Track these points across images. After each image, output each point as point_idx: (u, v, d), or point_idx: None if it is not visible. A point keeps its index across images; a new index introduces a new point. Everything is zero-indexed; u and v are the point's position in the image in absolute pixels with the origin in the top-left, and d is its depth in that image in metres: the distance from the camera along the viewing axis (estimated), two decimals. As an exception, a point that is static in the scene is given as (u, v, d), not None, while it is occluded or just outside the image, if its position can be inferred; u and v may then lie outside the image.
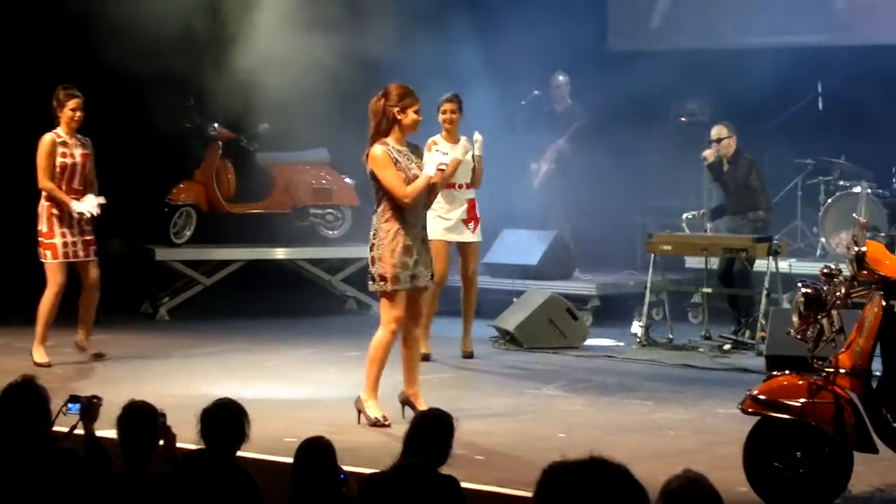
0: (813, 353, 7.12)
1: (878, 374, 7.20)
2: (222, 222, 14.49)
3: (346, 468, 5.74)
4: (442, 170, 8.96)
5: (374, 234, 8.97)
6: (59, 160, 10.98)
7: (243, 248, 14.48)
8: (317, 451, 5.52)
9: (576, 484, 3.22)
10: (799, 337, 7.18)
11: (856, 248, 7.15)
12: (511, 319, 12.35)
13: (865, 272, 7.10)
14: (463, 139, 10.38)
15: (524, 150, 15.07)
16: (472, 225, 11.43)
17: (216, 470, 5.65)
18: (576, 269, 14.26)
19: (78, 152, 11.06)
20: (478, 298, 11.86)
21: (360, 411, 8.90)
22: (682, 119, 15.31)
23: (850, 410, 6.91)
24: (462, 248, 11.50)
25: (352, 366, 11.22)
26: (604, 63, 15.35)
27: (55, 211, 10.99)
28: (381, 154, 8.85)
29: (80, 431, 6.35)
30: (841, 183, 13.71)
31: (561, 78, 15.04)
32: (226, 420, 5.74)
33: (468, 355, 11.56)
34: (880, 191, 13.33)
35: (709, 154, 12.74)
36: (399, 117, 8.92)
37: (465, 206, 11.36)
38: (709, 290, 12.61)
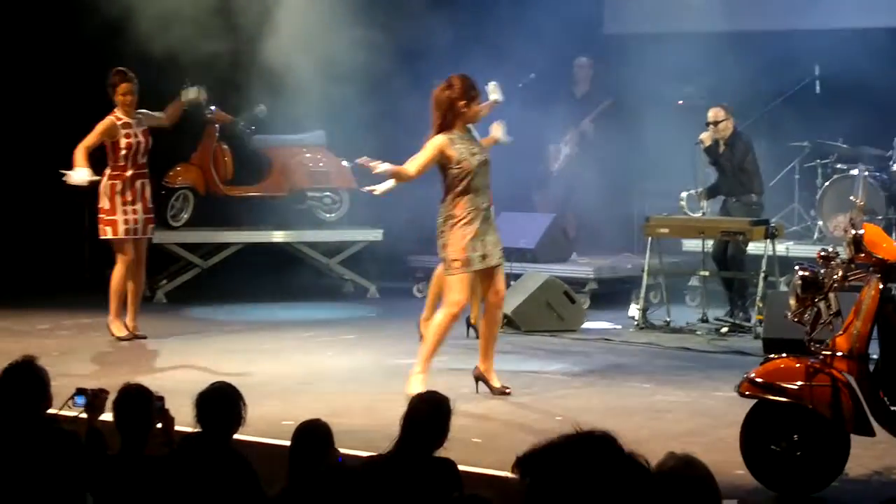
0: (810, 336, 7.12)
1: (875, 357, 7.20)
2: (219, 205, 14.48)
3: (343, 451, 5.75)
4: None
5: (444, 221, 9.17)
6: (123, 142, 11.37)
7: (241, 231, 14.47)
8: (314, 434, 5.53)
9: (561, 459, 3.21)
10: (796, 320, 7.17)
11: (853, 231, 7.14)
12: (508, 303, 12.29)
13: (863, 255, 7.10)
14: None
15: (525, 134, 15.04)
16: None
17: (213, 453, 5.65)
18: (573, 252, 14.25)
19: (140, 130, 11.47)
20: None
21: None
22: (680, 102, 15.28)
23: (847, 393, 6.91)
24: None
25: (349, 348, 11.25)
26: (600, 46, 15.33)
27: (119, 188, 11.32)
28: (437, 139, 9.09)
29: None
30: (838, 166, 13.70)
31: (584, 60, 15.05)
32: (222, 404, 5.75)
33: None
34: (877, 174, 13.31)
35: (705, 137, 12.72)
36: (464, 110, 9.16)
37: None
38: (706, 273, 12.61)
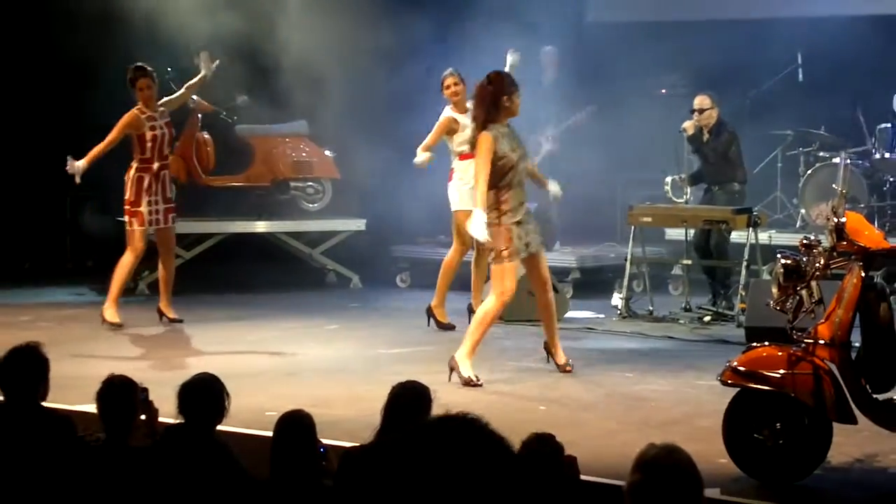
0: (792, 324, 7.13)
1: (857, 344, 7.22)
2: (202, 195, 14.44)
3: (325, 441, 5.74)
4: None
5: (489, 213, 9.48)
6: (149, 134, 11.63)
7: (223, 222, 14.43)
8: (296, 425, 5.52)
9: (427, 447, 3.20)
10: (778, 308, 7.18)
11: (835, 219, 7.15)
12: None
13: (845, 243, 7.10)
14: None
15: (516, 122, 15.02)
16: None
17: (196, 444, 5.64)
18: (556, 241, 14.24)
19: (163, 122, 11.75)
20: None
21: (452, 369, 9.34)
22: (662, 91, 15.30)
23: (829, 381, 6.92)
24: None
25: (332, 339, 11.24)
26: (584, 34, 15.33)
27: (146, 183, 11.55)
28: (486, 140, 9.44)
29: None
30: (821, 154, 13.73)
31: (548, 48, 15.04)
32: (204, 395, 5.74)
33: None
34: (860, 161, 13.35)
35: (689, 125, 12.72)
36: (507, 105, 9.51)
37: (468, 177, 11.44)
38: (689, 261, 12.62)
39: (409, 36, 13.59)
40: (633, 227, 12.52)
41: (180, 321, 11.72)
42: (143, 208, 11.55)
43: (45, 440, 5.76)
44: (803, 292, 7.09)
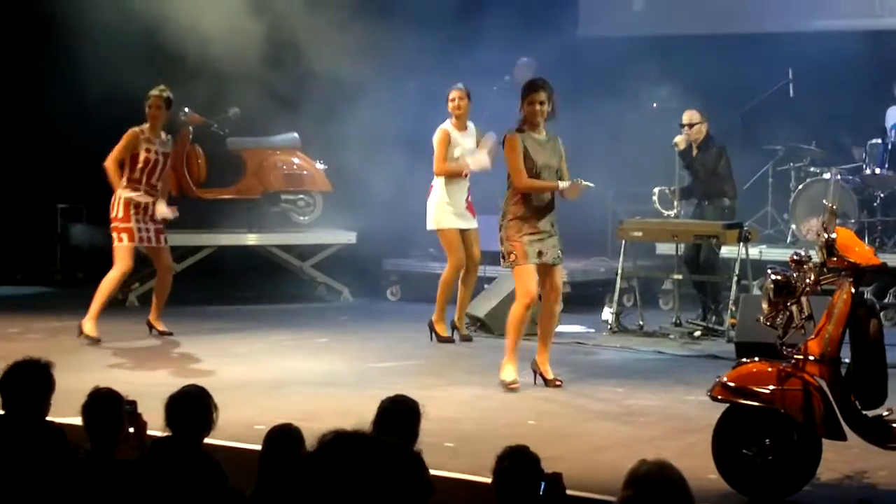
0: (782, 339, 7.13)
1: (847, 360, 7.21)
2: (193, 208, 14.41)
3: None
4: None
5: (503, 216, 9.74)
6: (142, 155, 11.46)
7: (214, 234, 14.42)
8: (285, 439, 5.50)
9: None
10: (768, 324, 7.18)
11: (825, 235, 7.15)
12: (482, 306, 12.33)
13: (835, 259, 7.10)
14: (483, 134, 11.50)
15: (499, 137, 15.03)
16: (469, 211, 11.76)
17: (184, 457, 5.62)
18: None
19: (161, 150, 11.56)
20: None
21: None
22: (654, 105, 15.32)
23: (818, 397, 6.92)
24: (469, 234, 11.75)
25: (322, 352, 11.22)
26: (575, 49, 15.34)
27: (133, 202, 11.42)
28: (511, 139, 9.75)
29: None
30: (811, 169, 13.75)
31: (524, 60, 15.05)
32: (192, 407, 5.72)
33: (466, 338, 11.76)
34: (850, 177, 13.37)
35: (680, 140, 12.73)
36: (524, 111, 9.80)
37: (467, 193, 11.69)
38: (679, 276, 12.62)
39: (402, 51, 13.59)
40: (623, 242, 12.52)
41: (170, 334, 11.68)
42: (133, 225, 11.44)
43: (39, 453, 5.74)
44: (793, 308, 7.09)
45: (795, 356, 7.03)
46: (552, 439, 8.10)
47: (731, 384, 7.01)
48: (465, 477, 6.94)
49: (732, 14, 15.28)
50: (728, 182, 12.71)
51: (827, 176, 12.96)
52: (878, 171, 13.30)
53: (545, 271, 9.75)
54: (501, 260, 9.84)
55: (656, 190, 12.67)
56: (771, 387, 6.92)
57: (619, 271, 12.46)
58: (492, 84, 15.06)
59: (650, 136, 14.05)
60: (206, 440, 5.82)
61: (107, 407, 5.83)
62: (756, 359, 7.19)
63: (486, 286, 12.94)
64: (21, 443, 5.82)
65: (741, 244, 12.05)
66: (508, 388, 9.58)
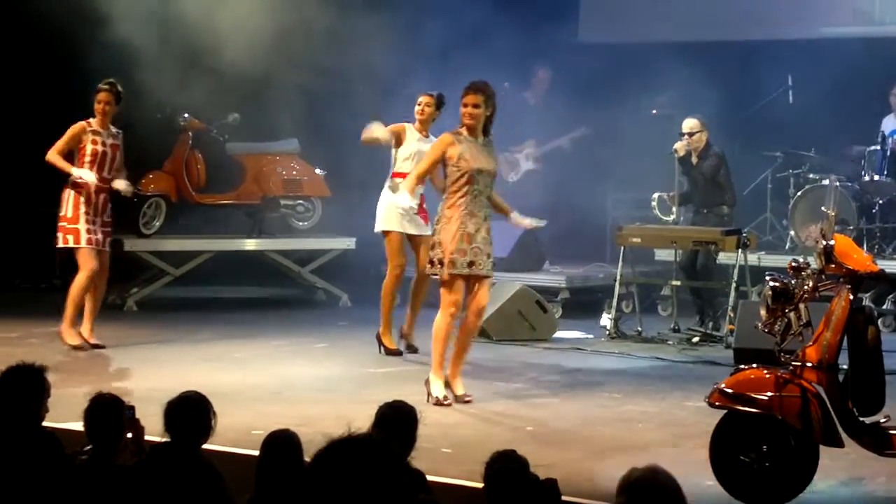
0: (780, 346, 7.14)
1: (844, 367, 7.22)
2: (192, 213, 14.45)
3: (312, 461, 5.72)
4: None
5: (438, 220, 9.38)
6: (89, 147, 11.28)
7: (213, 239, 14.44)
8: (282, 444, 5.51)
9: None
10: (766, 330, 7.19)
11: (824, 242, 7.16)
12: (481, 311, 12.33)
13: (833, 266, 7.11)
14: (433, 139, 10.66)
15: (500, 143, 15.04)
16: (421, 217, 11.27)
17: (182, 463, 5.63)
18: (545, 261, 14.26)
19: (109, 142, 11.35)
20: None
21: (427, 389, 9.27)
22: (653, 112, 15.34)
23: (816, 404, 6.92)
24: (417, 239, 11.26)
25: (320, 357, 11.23)
26: (575, 55, 15.36)
27: (83, 198, 11.21)
28: (443, 136, 9.51)
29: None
30: (810, 176, 13.76)
31: (543, 72, 15.11)
32: (190, 413, 5.72)
33: (412, 349, 11.34)
34: (849, 184, 13.38)
35: (680, 147, 12.74)
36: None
37: (419, 199, 11.13)
38: (678, 282, 12.63)
39: (401, 57, 13.61)
40: (622, 248, 12.53)
41: (102, 347, 11.29)
42: (81, 226, 11.18)
43: (35, 459, 5.74)
44: (791, 315, 7.09)
45: (793, 363, 7.03)
46: (550, 445, 8.11)
47: (729, 390, 7.02)
48: (462, 483, 6.94)
49: (732, 21, 15.30)
50: (727, 190, 12.73)
51: (826, 182, 12.97)
52: (876, 177, 13.32)
53: (473, 283, 9.34)
54: (429, 266, 9.39)
55: (655, 196, 12.69)
56: (769, 393, 6.93)
57: (618, 277, 12.48)
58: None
59: (649, 143, 14.07)
60: (205, 446, 5.83)
61: (109, 412, 5.84)
62: (754, 365, 7.20)
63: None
64: (16, 448, 5.81)
65: (740, 250, 12.05)
66: (439, 403, 9.13)
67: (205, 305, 13.86)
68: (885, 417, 7.16)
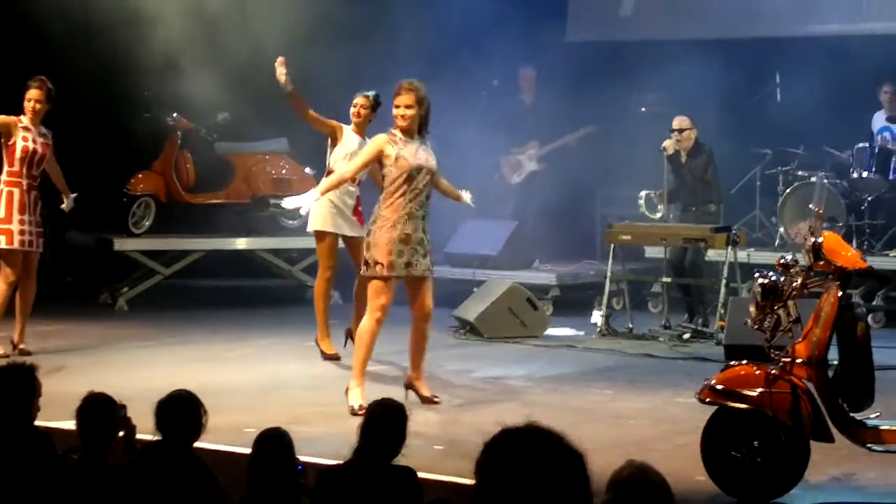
0: (770, 343, 7.16)
1: (834, 363, 7.25)
2: (181, 212, 14.45)
3: (303, 459, 5.74)
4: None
5: (374, 221, 9.10)
6: (20, 144, 10.90)
7: (203, 239, 14.44)
8: (274, 442, 5.52)
9: (515, 451, 3.24)
10: (756, 327, 7.21)
11: (812, 239, 7.18)
12: (471, 309, 12.36)
13: (822, 263, 7.13)
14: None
15: (489, 141, 15.07)
16: (357, 219, 11.00)
17: (174, 461, 5.64)
18: (536, 258, 14.28)
19: (40, 140, 11.00)
20: None
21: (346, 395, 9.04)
22: (643, 109, 15.36)
23: (806, 400, 6.95)
24: (354, 241, 10.89)
25: (311, 356, 11.22)
26: (564, 54, 15.38)
27: (16, 196, 10.88)
28: (375, 138, 9.28)
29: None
30: (799, 173, 13.78)
31: (527, 68, 15.12)
32: (181, 411, 5.74)
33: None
34: (838, 181, 13.40)
35: (669, 144, 12.77)
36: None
37: (355, 201, 10.97)
38: (668, 279, 12.66)
39: (393, 56, 13.61)
40: (612, 245, 12.55)
41: (29, 353, 10.69)
42: (14, 226, 10.78)
43: (27, 458, 5.74)
44: (781, 311, 7.12)
45: (783, 359, 7.06)
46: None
47: (720, 387, 7.04)
48: (455, 479, 6.96)
49: (720, 19, 15.33)
50: (715, 188, 12.77)
51: (814, 180, 13.00)
52: (865, 174, 13.35)
53: (414, 285, 9.09)
54: (364, 267, 9.07)
55: (643, 194, 12.71)
56: (759, 389, 6.95)
57: (609, 274, 12.50)
58: (480, 89, 15.13)
59: (639, 141, 14.09)
60: (197, 444, 5.84)
61: (101, 412, 5.84)
62: (744, 362, 7.22)
63: (475, 290, 12.97)
64: (7, 448, 5.81)
65: (729, 247, 12.08)
66: (356, 413, 8.57)
67: (195, 304, 13.86)
68: (874, 413, 7.19)
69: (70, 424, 6.05)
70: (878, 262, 11.63)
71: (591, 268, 14.19)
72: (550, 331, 12.38)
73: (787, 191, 13.56)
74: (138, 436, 6.04)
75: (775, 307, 7.12)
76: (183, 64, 13.33)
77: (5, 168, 10.96)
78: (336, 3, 13.86)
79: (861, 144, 13.56)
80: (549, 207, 14.69)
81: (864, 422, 7.14)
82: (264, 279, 14.83)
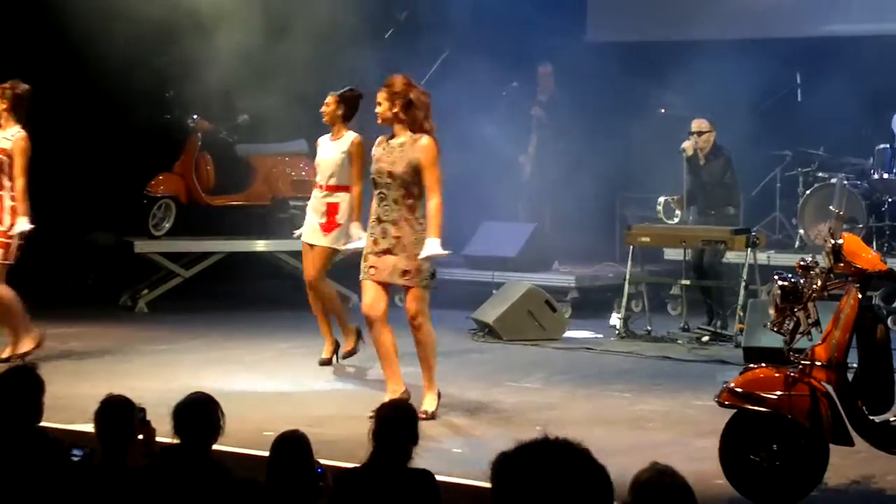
0: (789, 345, 7.14)
1: (854, 366, 7.23)
2: (202, 214, 14.47)
3: (323, 461, 5.75)
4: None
5: None
6: None
7: (223, 241, 14.46)
8: (292, 445, 5.53)
9: (532, 464, 3.23)
10: (776, 329, 7.19)
11: (832, 241, 7.16)
12: (490, 312, 12.36)
13: (842, 265, 7.12)
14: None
15: (508, 143, 15.08)
16: (323, 228, 10.74)
17: (192, 464, 5.65)
18: (555, 260, 14.27)
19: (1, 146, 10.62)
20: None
21: None
22: (662, 110, 15.33)
23: (825, 403, 6.93)
24: (310, 248, 10.86)
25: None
26: (583, 54, 15.37)
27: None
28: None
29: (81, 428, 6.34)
30: (819, 174, 13.74)
31: (546, 66, 15.12)
32: (199, 414, 5.74)
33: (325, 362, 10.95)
34: (858, 182, 13.37)
35: (688, 146, 12.74)
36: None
37: (325, 208, 10.70)
38: (687, 281, 12.63)
39: (410, 56, 13.61)
40: (631, 247, 12.53)
41: (7, 360, 10.21)
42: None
43: (36, 462, 5.74)
44: (800, 314, 7.10)
45: (803, 362, 7.04)
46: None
47: (739, 390, 7.02)
48: (473, 483, 6.96)
49: (740, 19, 15.29)
50: (734, 191, 12.75)
51: (834, 181, 12.96)
52: (885, 175, 13.31)
53: (404, 292, 8.98)
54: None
55: (661, 199, 12.68)
56: (778, 392, 6.93)
57: (627, 276, 12.48)
58: (501, 90, 15.13)
59: (658, 142, 14.06)
60: (216, 447, 5.85)
61: (119, 414, 5.85)
62: (763, 364, 7.21)
63: (493, 292, 12.97)
64: (13, 451, 5.79)
65: (749, 249, 12.05)
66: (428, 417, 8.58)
67: (215, 307, 13.87)
68: (894, 416, 7.17)
69: (89, 427, 6.06)
70: (899, 264, 11.60)
71: (610, 270, 14.17)
72: (569, 333, 12.37)
73: (808, 192, 13.52)
74: (158, 438, 6.06)
75: (795, 309, 7.10)
76: (204, 65, 13.34)
77: None
78: (352, 3, 13.86)
79: (882, 146, 13.52)
80: (567, 208, 14.68)
81: (884, 425, 7.12)
82: (284, 281, 14.82)
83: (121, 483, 5.66)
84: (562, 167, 14.89)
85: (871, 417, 7.09)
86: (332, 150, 10.62)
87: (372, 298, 8.97)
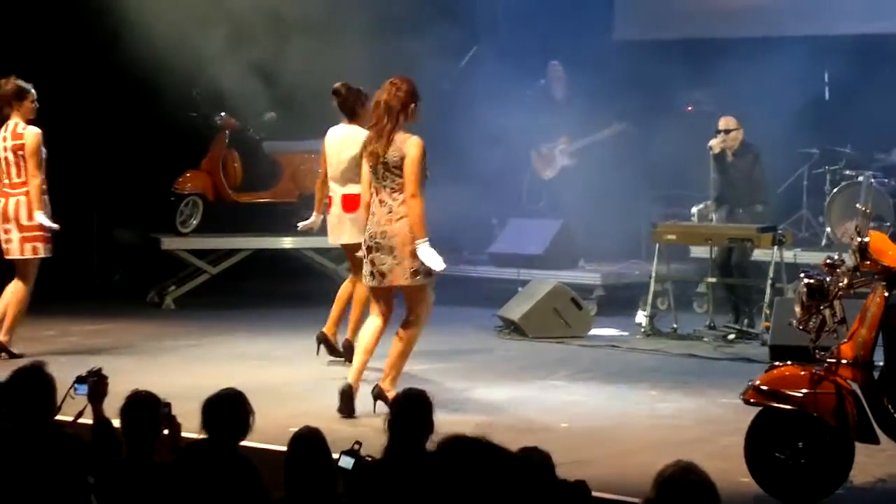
0: (815, 343, 7.14)
1: (880, 364, 7.21)
2: (229, 211, 14.51)
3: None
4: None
5: None
6: None
7: (250, 238, 14.50)
8: (309, 442, 5.53)
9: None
10: (801, 328, 7.19)
11: (859, 239, 7.15)
12: (516, 309, 12.36)
13: (868, 263, 7.11)
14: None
15: (528, 138, 15.06)
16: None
17: (218, 460, 5.67)
18: (581, 258, 14.26)
19: (11, 147, 10.75)
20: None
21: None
22: (689, 108, 15.31)
23: (851, 401, 6.93)
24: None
25: (356, 355, 11.24)
26: (610, 52, 15.35)
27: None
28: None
29: (87, 421, 6.37)
30: (847, 172, 13.68)
31: (554, 63, 15.11)
32: (228, 410, 5.76)
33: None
34: (885, 180, 13.31)
35: (715, 143, 12.72)
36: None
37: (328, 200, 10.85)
38: (713, 279, 12.61)
39: (434, 54, 13.62)
40: (657, 245, 12.52)
41: (20, 356, 10.48)
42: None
43: (57, 459, 5.74)
44: (826, 312, 7.09)
45: (828, 360, 7.04)
46: (584, 442, 8.14)
47: (764, 387, 7.02)
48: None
49: (767, 17, 15.26)
50: (762, 188, 12.72)
51: (861, 179, 12.92)
52: (913, 174, 13.26)
53: (380, 292, 9.06)
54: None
55: (694, 210, 12.71)
56: (804, 390, 6.93)
57: (653, 274, 12.47)
58: (526, 88, 15.12)
59: (685, 140, 14.03)
60: (243, 443, 5.87)
61: (145, 410, 5.88)
62: (789, 362, 7.21)
63: (519, 289, 12.97)
64: (29, 449, 5.78)
65: (776, 247, 12.02)
66: None
67: (242, 303, 13.91)
68: (920, 415, 7.16)
69: (115, 422, 6.09)
70: (926, 263, 11.54)
71: (635, 267, 14.15)
72: (594, 331, 12.36)
73: (835, 190, 13.47)
74: (184, 434, 6.08)
75: (821, 307, 7.10)
76: (231, 63, 13.39)
77: None
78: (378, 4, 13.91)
79: (909, 144, 13.48)
80: (593, 206, 14.66)
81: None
82: (311, 278, 14.85)
83: (147, 479, 5.69)
84: (576, 161, 14.88)
85: (896, 415, 7.08)
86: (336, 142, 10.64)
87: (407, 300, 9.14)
